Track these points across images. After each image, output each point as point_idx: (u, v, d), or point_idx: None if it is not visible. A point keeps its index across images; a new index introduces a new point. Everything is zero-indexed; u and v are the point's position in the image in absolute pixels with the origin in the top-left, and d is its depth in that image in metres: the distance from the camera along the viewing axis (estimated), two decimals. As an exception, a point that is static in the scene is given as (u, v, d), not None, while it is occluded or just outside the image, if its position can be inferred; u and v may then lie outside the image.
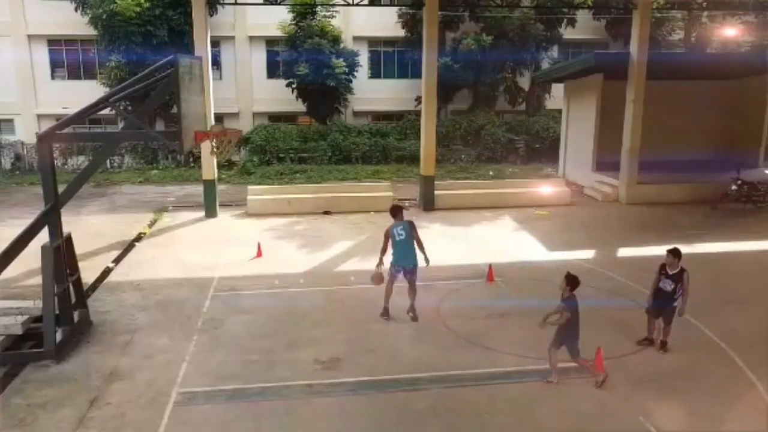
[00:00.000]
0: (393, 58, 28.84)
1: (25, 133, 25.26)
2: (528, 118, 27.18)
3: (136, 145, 24.43)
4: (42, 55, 26.60)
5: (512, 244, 12.88)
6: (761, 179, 16.42)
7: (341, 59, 24.92)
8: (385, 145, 25.44)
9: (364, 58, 27.55)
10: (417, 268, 8.43)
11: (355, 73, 26.13)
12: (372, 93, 27.97)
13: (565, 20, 26.94)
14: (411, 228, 8.44)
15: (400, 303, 8.70)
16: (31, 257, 7.55)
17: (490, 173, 23.21)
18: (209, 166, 15.48)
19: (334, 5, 24.18)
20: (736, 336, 7.83)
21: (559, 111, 24.14)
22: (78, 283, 8.26)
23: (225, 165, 22.22)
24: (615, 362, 7.06)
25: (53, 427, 5.89)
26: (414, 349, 7.61)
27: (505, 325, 8.29)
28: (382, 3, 27.50)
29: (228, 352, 7.54)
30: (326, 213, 15.75)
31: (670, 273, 7.22)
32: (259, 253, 11.78)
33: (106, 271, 10.95)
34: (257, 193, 16.42)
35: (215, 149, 8.76)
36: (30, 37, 26.11)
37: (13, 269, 7.44)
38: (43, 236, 7.60)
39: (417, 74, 20.62)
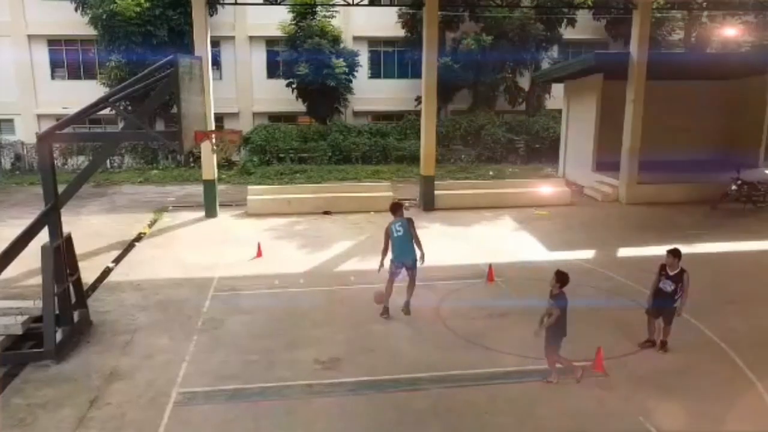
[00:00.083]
0: (393, 58, 28.84)
1: (25, 133, 25.27)
2: (528, 118, 27.19)
3: (136, 145, 24.43)
4: (42, 55, 26.61)
5: (512, 244, 12.88)
6: (761, 179, 16.43)
7: (341, 59, 24.92)
8: (385, 145, 25.44)
9: (364, 58, 27.56)
10: (416, 263, 8.50)
11: (355, 73, 26.13)
12: (372, 93, 27.97)
13: (565, 20, 26.94)
14: (409, 224, 8.51)
15: (401, 303, 8.72)
16: (31, 257, 7.55)
17: (490, 173, 23.21)
18: (209, 166, 15.48)
19: (334, 5, 24.18)
20: (736, 336, 7.83)
21: (559, 111, 24.14)
22: (78, 283, 8.26)
23: (225, 165, 22.23)
24: (615, 362, 7.06)
25: (53, 427, 5.89)
26: (414, 349, 7.61)
27: (505, 325, 8.29)
28: (382, 3, 27.50)
29: (228, 352, 7.54)
30: (326, 213, 15.75)
31: (671, 274, 7.21)
32: (259, 253, 11.78)
33: (106, 271, 10.95)
34: (257, 193, 16.43)
35: (215, 147, 8.76)
36: (30, 37, 26.12)
37: (13, 269, 7.44)
38: (43, 236, 7.60)
39: (417, 74, 20.62)
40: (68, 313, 7.79)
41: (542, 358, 6.80)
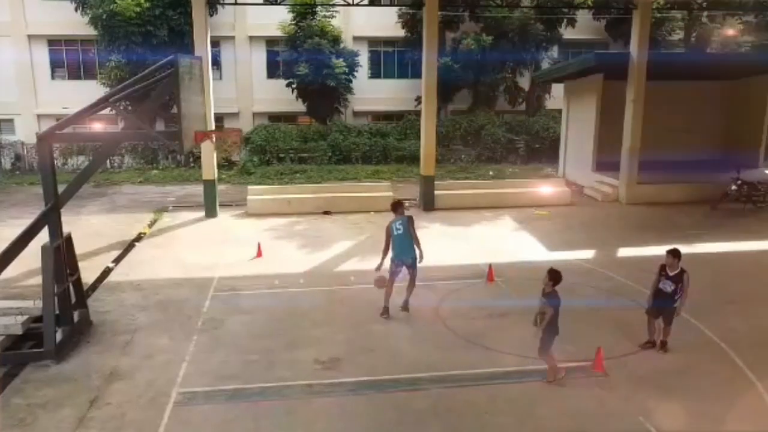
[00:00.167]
0: (393, 58, 28.84)
1: (25, 133, 25.26)
2: (528, 118, 27.19)
3: (136, 145, 24.43)
4: (42, 55, 26.60)
5: (512, 244, 12.89)
6: (761, 179, 16.43)
7: (341, 59, 24.92)
8: (385, 145, 25.44)
9: (364, 58, 27.55)
10: (416, 262, 8.51)
11: (355, 73, 26.13)
12: (372, 93, 27.96)
13: (565, 20, 26.92)
14: (409, 223, 8.52)
15: (397, 303, 8.73)
16: (31, 257, 7.55)
17: (490, 173, 23.21)
18: (209, 166, 15.48)
19: (334, 5, 24.17)
20: (736, 336, 7.83)
21: (559, 111, 24.14)
22: (78, 283, 8.26)
23: (225, 165, 22.24)
24: (615, 362, 7.07)
25: (53, 427, 5.89)
26: (414, 349, 7.61)
27: (505, 325, 8.29)
28: (382, 3, 27.50)
29: (228, 352, 7.54)
30: (326, 213, 15.75)
31: (670, 274, 7.21)
32: (259, 253, 11.78)
33: (106, 271, 10.95)
34: (257, 193, 16.43)
35: (219, 146, 8.76)
36: (30, 37, 26.12)
37: (13, 269, 7.45)
38: (43, 236, 7.61)
39: (417, 74, 20.62)
40: (68, 313, 7.79)
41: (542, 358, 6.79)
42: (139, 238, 13.54)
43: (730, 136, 20.31)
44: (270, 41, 27.46)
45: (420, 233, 8.77)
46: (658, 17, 25.76)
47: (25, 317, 7.62)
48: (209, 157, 15.29)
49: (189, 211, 16.23)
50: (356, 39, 27.63)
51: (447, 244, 12.53)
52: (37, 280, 7.63)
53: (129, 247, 12.74)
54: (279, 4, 20.48)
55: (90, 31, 24.61)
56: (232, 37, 27.04)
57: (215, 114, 15.91)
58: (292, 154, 24.74)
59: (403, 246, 8.47)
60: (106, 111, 10.67)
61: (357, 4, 18.23)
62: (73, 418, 6.02)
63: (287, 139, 25.03)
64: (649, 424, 5.87)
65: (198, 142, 8.44)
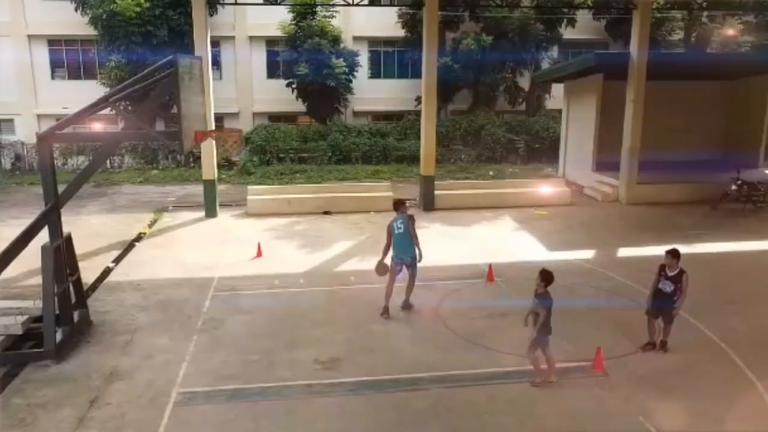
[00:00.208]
0: (393, 58, 28.84)
1: (25, 133, 25.26)
2: (528, 118, 27.19)
3: (136, 145, 24.42)
4: (42, 55, 26.61)
5: (512, 244, 12.88)
6: (761, 179, 16.43)
7: (341, 59, 24.92)
8: (385, 145, 25.44)
9: (364, 58, 27.56)
10: (416, 261, 8.53)
11: (355, 73, 26.13)
12: (372, 93, 27.96)
13: (565, 20, 26.93)
14: (409, 222, 8.52)
15: (398, 303, 8.74)
16: (31, 257, 7.55)
17: (490, 173, 23.21)
18: (209, 166, 15.48)
19: (334, 5, 24.17)
20: (736, 336, 7.83)
21: (559, 111, 24.14)
22: (78, 283, 8.27)
23: (225, 165, 22.23)
24: (615, 362, 7.07)
25: (53, 427, 5.89)
26: (414, 349, 7.61)
27: (505, 325, 8.28)
28: (382, 3, 27.51)
29: (228, 352, 7.54)
30: (326, 213, 15.75)
31: (670, 274, 7.20)
32: (259, 253, 11.78)
33: (106, 271, 10.95)
34: (257, 193, 16.43)
35: (221, 146, 8.76)
36: (30, 37, 26.12)
37: (13, 269, 7.45)
38: (43, 236, 7.60)
39: (417, 74, 20.62)
40: (68, 313, 7.79)
41: (541, 358, 6.79)
42: (139, 238, 13.54)
43: (730, 136, 20.32)
44: (270, 41, 27.46)
45: (420, 233, 8.78)
46: (658, 17, 25.77)
47: (25, 317, 7.62)
48: (209, 157, 15.29)
49: (189, 211, 16.23)
50: (356, 39, 27.63)
51: (447, 244, 12.53)
52: (37, 280, 7.63)
53: (129, 247, 12.74)
54: (279, 4, 20.48)
55: (90, 31, 24.61)
56: (232, 37, 27.05)
57: (215, 114, 15.91)
58: (292, 154, 24.74)
59: (403, 245, 8.49)
60: (106, 111, 10.68)
61: (357, 4, 18.23)
62: (73, 418, 6.02)
63: (287, 139, 25.03)
64: (649, 424, 5.87)
65: (198, 142, 8.43)
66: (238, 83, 27.55)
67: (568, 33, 27.57)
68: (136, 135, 10.15)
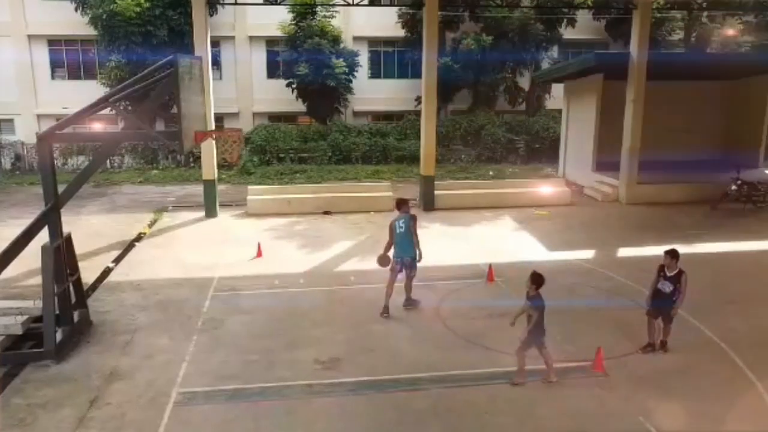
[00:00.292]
0: (393, 58, 28.83)
1: (25, 133, 25.26)
2: (528, 118, 27.18)
3: (136, 145, 24.42)
4: (42, 55, 26.60)
5: (512, 244, 12.88)
6: (761, 179, 16.43)
7: (341, 59, 24.91)
8: (385, 145, 25.43)
9: (364, 58, 27.54)
10: (415, 261, 8.55)
11: (355, 73, 26.12)
12: (372, 93, 27.96)
13: (565, 20, 26.92)
14: (411, 221, 8.54)
15: (400, 303, 8.75)
16: (31, 257, 7.55)
17: (490, 173, 23.20)
18: (209, 166, 15.48)
19: (334, 5, 24.17)
20: (736, 336, 7.83)
21: (559, 111, 24.14)
22: (78, 283, 8.27)
23: (225, 165, 22.21)
24: (615, 362, 7.07)
25: (53, 427, 5.90)
26: (414, 349, 7.61)
27: (505, 325, 8.18)
28: (382, 3, 27.50)
29: (228, 352, 7.54)
30: (326, 213, 15.75)
31: (669, 275, 7.20)
32: (259, 253, 11.78)
33: (106, 271, 10.95)
34: (257, 193, 16.42)
35: (221, 147, 8.76)
36: (30, 37, 26.11)
37: (13, 269, 7.45)
38: (43, 236, 7.61)
39: (417, 74, 20.62)
40: (68, 313, 7.80)
41: (541, 358, 6.79)
42: (139, 238, 13.54)
43: (730, 136, 20.31)
44: (270, 41, 27.46)
45: (420, 233, 8.79)
46: (658, 17, 25.76)
47: (25, 317, 7.62)
48: (209, 157, 15.29)
49: (189, 211, 16.23)
50: (356, 39, 27.62)
51: (447, 244, 12.53)
52: (37, 280, 7.63)
53: (129, 247, 12.74)
54: (279, 4, 20.49)
55: (90, 31, 24.61)
56: (232, 37, 27.04)
57: (215, 114, 15.91)
58: (292, 154, 24.73)
59: (404, 244, 8.52)
60: (106, 111, 10.68)
61: (357, 4, 18.24)
62: (73, 418, 6.02)
63: (287, 139, 25.02)
64: (649, 424, 5.87)
65: (198, 142, 8.44)
66: (238, 83, 27.55)
67: (568, 33, 27.57)
68: (136, 135, 10.16)
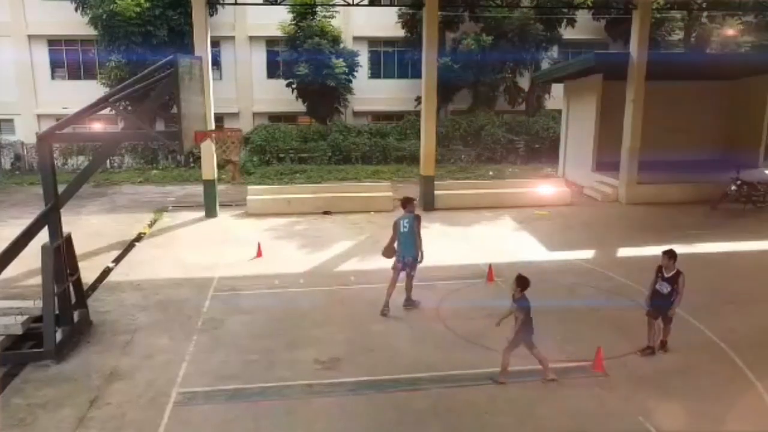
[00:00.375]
0: (393, 58, 28.84)
1: (25, 133, 25.27)
2: (528, 118, 27.18)
3: (136, 145, 24.42)
4: (42, 55, 26.60)
5: (512, 244, 12.89)
6: (761, 179, 16.43)
7: (341, 59, 24.91)
8: (385, 145, 25.43)
9: (364, 58, 27.54)
10: (416, 261, 8.57)
11: (355, 73, 26.11)
12: (372, 93, 27.96)
13: (564, 20, 26.93)
14: (415, 221, 8.54)
15: (400, 303, 8.75)
16: (31, 257, 7.56)
17: (490, 173, 23.21)
18: (209, 166, 15.48)
19: (334, 5, 24.16)
20: (736, 336, 7.83)
21: (559, 111, 24.14)
22: (78, 283, 8.27)
23: (225, 165, 22.21)
24: (615, 362, 7.07)
25: (53, 427, 5.90)
26: (414, 349, 7.61)
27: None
28: (382, 3, 27.51)
29: (228, 352, 7.54)
30: (326, 213, 15.75)
31: (666, 275, 7.19)
32: (259, 253, 11.78)
33: (106, 271, 10.95)
34: (257, 193, 16.42)
35: (220, 148, 8.77)
36: (30, 37, 26.12)
37: (13, 269, 7.45)
38: (43, 236, 7.61)
39: (417, 74, 20.63)
40: (68, 313, 7.80)
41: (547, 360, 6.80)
42: (139, 238, 13.54)
43: (730, 136, 20.32)
44: (270, 41, 27.46)
45: (421, 233, 8.77)
46: (658, 17, 25.77)
47: (25, 317, 7.62)
48: (209, 157, 15.29)
49: (189, 211, 16.23)
50: (356, 39, 27.63)
51: (447, 244, 12.52)
52: (37, 280, 7.63)
53: (129, 247, 12.74)
54: (279, 4, 20.48)
55: (90, 31, 24.61)
56: (232, 37, 27.04)
57: (215, 114, 15.91)
58: (292, 154, 24.74)
59: (407, 244, 8.54)
60: (106, 111, 10.68)
61: (357, 4, 18.23)
62: (73, 418, 6.02)
63: (287, 139, 25.03)
64: (649, 424, 5.87)
65: (198, 142, 8.44)
66: (238, 83, 27.55)
67: (567, 33, 27.57)
68: (136, 135, 10.16)
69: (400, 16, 26.55)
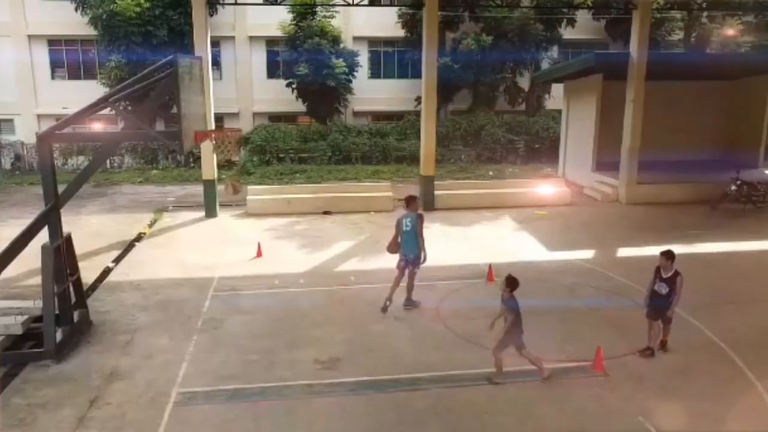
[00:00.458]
0: (393, 58, 28.85)
1: (25, 133, 25.28)
2: (528, 118, 27.20)
3: (136, 145, 24.45)
4: (42, 55, 26.63)
5: (512, 244, 12.88)
6: (761, 179, 16.42)
7: (341, 59, 24.93)
8: (384, 145, 25.44)
9: (364, 58, 27.56)
10: (418, 260, 8.56)
11: (355, 73, 26.14)
12: (372, 93, 27.97)
13: (564, 20, 26.95)
14: (417, 220, 8.55)
15: (400, 303, 8.75)
16: (31, 257, 7.55)
17: (490, 173, 23.21)
18: (209, 166, 15.48)
19: (334, 5, 24.17)
20: (736, 336, 7.83)
21: (559, 111, 24.14)
22: (78, 283, 8.26)
23: (225, 165, 22.21)
24: (615, 362, 7.07)
25: (53, 427, 5.89)
26: (414, 349, 7.61)
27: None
28: (382, 3, 27.53)
29: (228, 352, 7.54)
30: (326, 213, 15.75)
31: (664, 276, 7.17)
32: (259, 253, 11.78)
33: (106, 271, 10.95)
34: (257, 193, 16.42)
35: (218, 147, 8.77)
36: (30, 37, 26.15)
37: (13, 269, 7.44)
38: (43, 236, 7.60)
39: (417, 74, 20.63)
40: (68, 313, 7.79)
41: (542, 358, 6.79)
42: (139, 238, 13.54)
43: (730, 136, 20.32)
44: (270, 41, 27.48)
45: (423, 232, 8.77)
46: (658, 17, 25.78)
47: (25, 317, 7.61)
48: (209, 157, 15.29)
49: (189, 211, 16.23)
50: (356, 39, 27.64)
51: (447, 244, 12.52)
52: (37, 280, 7.63)
53: (129, 247, 12.74)
54: (279, 4, 20.48)
55: (90, 31, 24.64)
56: (232, 37, 27.06)
57: (215, 114, 15.91)
58: (292, 154, 24.75)
59: (409, 243, 8.55)
60: (106, 111, 10.68)
61: (357, 4, 18.23)
62: (73, 418, 6.02)
63: (287, 139, 25.03)
64: (649, 424, 5.87)
65: (198, 142, 8.43)
66: (238, 83, 27.57)
67: (567, 33, 27.59)
68: (136, 135, 10.16)
69: (400, 16, 26.57)
